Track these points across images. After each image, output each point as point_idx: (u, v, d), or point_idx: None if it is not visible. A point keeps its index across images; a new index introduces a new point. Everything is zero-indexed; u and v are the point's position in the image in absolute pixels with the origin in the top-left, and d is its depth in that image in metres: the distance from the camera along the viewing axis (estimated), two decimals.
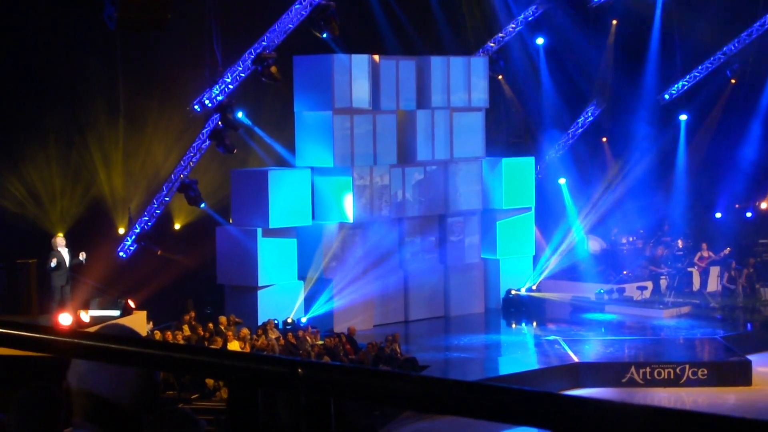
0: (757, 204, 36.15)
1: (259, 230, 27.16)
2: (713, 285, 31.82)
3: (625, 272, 31.64)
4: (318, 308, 27.77)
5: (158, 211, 27.61)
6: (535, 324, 29.75)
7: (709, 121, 35.57)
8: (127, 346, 2.72)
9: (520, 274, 31.41)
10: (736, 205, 35.78)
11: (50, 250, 22.56)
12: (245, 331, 24.20)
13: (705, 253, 31.79)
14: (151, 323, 24.39)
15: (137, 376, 3.26)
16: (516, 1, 33.07)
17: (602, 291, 30.73)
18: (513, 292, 30.95)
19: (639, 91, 34.74)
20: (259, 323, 25.58)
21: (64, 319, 20.91)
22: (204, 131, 27.47)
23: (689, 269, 31.81)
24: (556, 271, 31.90)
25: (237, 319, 25.15)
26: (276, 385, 2.51)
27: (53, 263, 22.16)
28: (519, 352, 27.23)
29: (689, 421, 1.98)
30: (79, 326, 20.81)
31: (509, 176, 31.22)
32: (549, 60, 34.13)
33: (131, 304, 23.34)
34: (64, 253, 22.49)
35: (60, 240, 22.73)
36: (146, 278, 25.53)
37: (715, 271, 31.90)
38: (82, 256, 22.52)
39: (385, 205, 28.96)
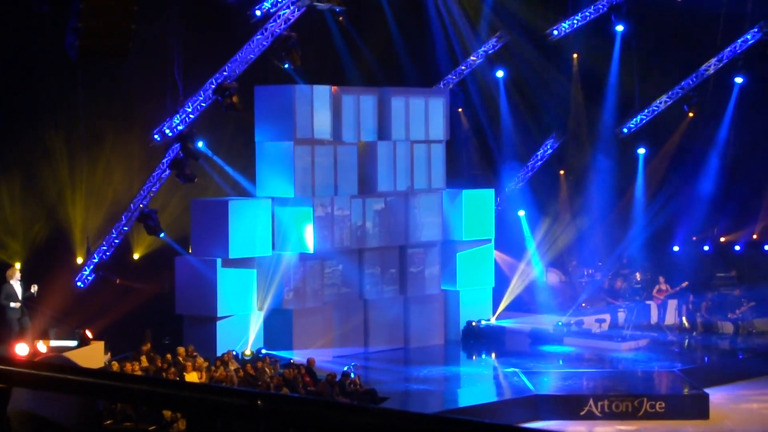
0: (718, 237, 36.37)
1: (219, 260, 27.04)
2: (671, 318, 31.99)
3: (583, 305, 31.76)
4: (277, 339, 27.65)
5: (117, 241, 27.45)
6: (494, 356, 29.78)
7: (667, 155, 35.83)
8: (86, 378, 2.71)
9: (479, 305, 31.46)
10: (693, 238, 36.02)
11: (3, 282, 22.34)
12: (201, 361, 24.03)
13: (663, 286, 31.95)
14: (108, 354, 24.21)
15: (78, 401, 3.25)
16: (476, 34, 33.33)
17: (561, 323, 30.83)
18: (473, 323, 30.98)
19: (598, 125, 35.00)
20: (218, 354, 25.44)
21: (21, 349, 20.72)
22: (164, 161, 27.37)
23: (647, 302, 31.96)
24: (514, 303, 32.06)
25: (194, 353, 24.95)
26: (235, 417, 2.51)
27: (12, 304, 21.95)
28: (478, 383, 27.23)
29: None
30: (35, 357, 20.63)
31: (469, 208, 31.30)
32: (509, 93, 34.35)
33: (89, 334, 23.16)
34: (17, 286, 22.27)
35: (16, 273, 22.51)
36: (104, 308, 25.35)
37: (673, 304, 32.07)
38: (34, 288, 22.32)
39: (346, 236, 28.95)
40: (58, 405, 3.25)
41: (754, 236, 36.22)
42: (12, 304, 21.98)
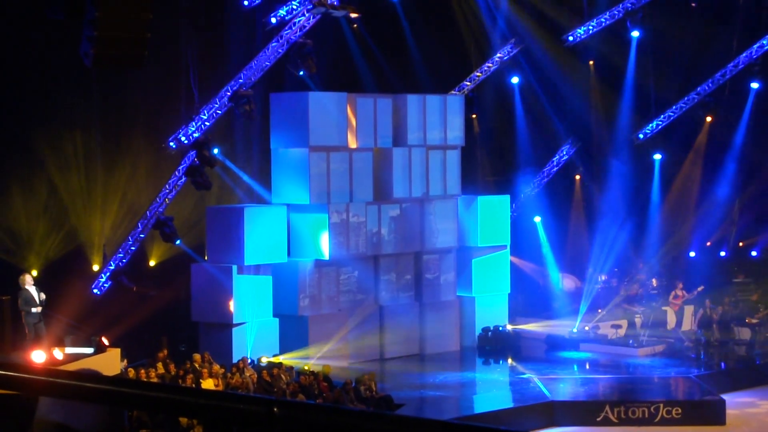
0: (735, 242, 36.23)
1: (235, 267, 27.07)
2: (687, 324, 31.89)
3: (599, 311, 31.68)
4: (293, 346, 27.65)
5: (133, 248, 27.50)
6: (510, 362, 29.73)
7: (683, 160, 35.73)
8: (102, 385, 2.71)
9: (495, 311, 31.41)
10: (708, 243, 35.89)
11: (19, 288, 22.35)
12: (217, 367, 24.05)
13: (679, 292, 31.86)
14: (125, 361, 24.21)
15: (105, 412, 3.25)
16: (491, 40, 33.31)
17: (575, 329, 30.76)
18: (489, 329, 30.93)
19: (613, 130, 34.94)
20: (234, 361, 25.45)
21: (38, 356, 20.75)
22: (180, 168, 27.43)
23: (664, 308, 31.87)
24: (530, 309, 32.05)
25: (210, 359, 24.96)
26: (252, 424, 2.51)
27: (33, 309, 21.97)
28: (494, 390, 27.20)
29: None
30: (52, 364, 20.65)
31: (485, 214, 31.28)
32: (524, 99, 34.30)
33: (105, 341, 23.17)
34: (33, 291, 22.30)
35: (28, 278, 22.54)
36: (120, 315, 25.37)
37: (689, 309, 31.98)
38: (42, 296, 22.34)
39: (361, 243, 28.94)
40: (84, 416, 3.25)
41: None
42: (33, 309, 22.02)
